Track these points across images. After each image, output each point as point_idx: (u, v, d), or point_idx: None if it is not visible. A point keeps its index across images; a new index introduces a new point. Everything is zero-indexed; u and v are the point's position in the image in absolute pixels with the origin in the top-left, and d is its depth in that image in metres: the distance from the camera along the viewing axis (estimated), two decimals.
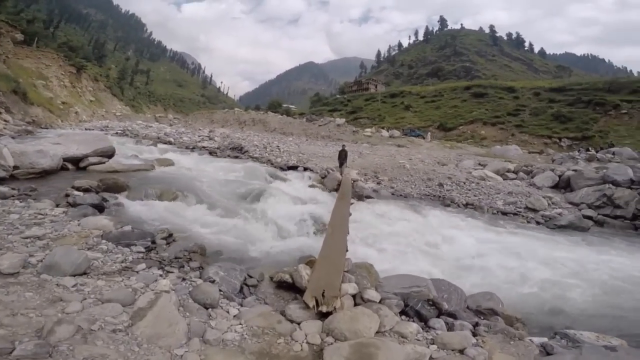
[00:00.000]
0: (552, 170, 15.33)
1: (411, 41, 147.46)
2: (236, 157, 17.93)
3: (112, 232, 4.71)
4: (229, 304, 3.31)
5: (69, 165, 9.43)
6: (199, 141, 22.88)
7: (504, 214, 11.44)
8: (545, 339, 3.23)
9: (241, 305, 3.34)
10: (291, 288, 3.49)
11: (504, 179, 15.36)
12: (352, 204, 8.50)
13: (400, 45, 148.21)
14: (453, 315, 3.43)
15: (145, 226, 5.59)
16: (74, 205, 5.91)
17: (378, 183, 13.96)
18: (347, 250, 4.36)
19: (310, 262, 3.92)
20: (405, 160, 17.46)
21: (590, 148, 31.69)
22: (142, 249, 4.40)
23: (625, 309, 4.94)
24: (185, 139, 23.81)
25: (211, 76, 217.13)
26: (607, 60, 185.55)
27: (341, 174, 13.11)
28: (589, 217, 11.07)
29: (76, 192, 6.57)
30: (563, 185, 14.32)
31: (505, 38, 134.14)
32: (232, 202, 8.23)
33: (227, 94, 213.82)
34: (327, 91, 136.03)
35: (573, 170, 14.88)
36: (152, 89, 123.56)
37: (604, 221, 11.16)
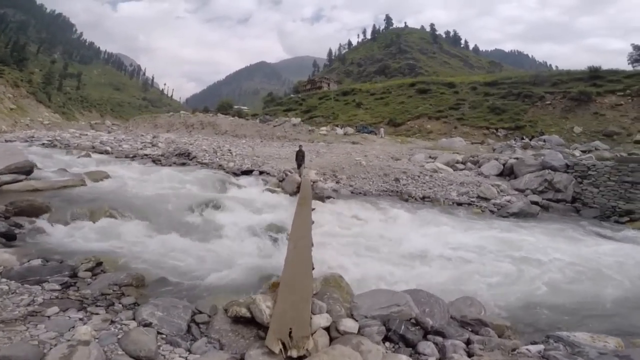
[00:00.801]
0: (497, 159, 16.29)
1: (360, 39, 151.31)
2: (183, 164, 16.63)
3: (15, 269, 3.86)
4: (173, 352, 2.67)
5: None
6: (141, 148, 20.97)
7: (459, 204, 11.83)
8: (541, 347, 3.06)
9: (189, 352, 2.71)
10: (251, 322, 2.92)
11: (454, 170, 15.99)
12: (313, 209, 8.09)
13: (350, 43, 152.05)
14: (441, 334, 3.13)
15: (69, 255, 4.69)
16: None
17: (337, 182, 13.74)
18: (313, 269, 3.92)
19: (273, 286, 3.42)
20: (361, 157, 17.48)
21: (524, 137, 34.64)
22: (57, 286, 3.61)
23: (598, 298, 5.09)
24: (125, 146, 21.67)
25: (153, 78, 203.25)
26: (530, 56, 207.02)
27: (300, 176, 12.66)
28: (536, 203, 11.83)
29: None
30: (507, 172, 15.26)
31: (444, 36, 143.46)
32: (178, 217, 7.38)
33: (172, 96, 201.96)
34: (280, 91, 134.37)
35: (515, 158, 15.94)
36: (85, 94, 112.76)
37: (549, 205, 12.02)
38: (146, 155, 18.62)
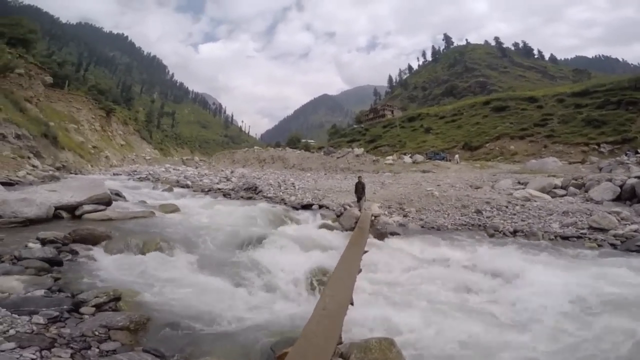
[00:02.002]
0: (610, 180, 13.07)
1: (420, 62, 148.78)
2: (249, 197, 17.00)
3: (11, 297, 3.84)
4: None
5: (64, 214, 8.97)
6: (217, 183, 22.35)
7: (564, 238, 9.33)
8: None
9: None
10: None
11: (552, 197, 13.21)
12: (366, 251, 6.93)
13: (410, 68, 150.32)
14: None
15: (96, 286, 4.66)
16: (19, 259, 5.06)
17: (404, 216, 12.27)
18: (340, 343, 3.13)
19: (281, 357, 2.81)
20: (433, 187, 15.71)
21: (638, 151, 28.47)
22: (43, 320, 3.40)
23: None
24: (205, 181, 23.37)
25: (232, 115, 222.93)
26: (621, 59, 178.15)
27: (360, 210, 11.61)
28: None
29: (32, 244, 5.80)
30: (627, 196, 12.04)
31: (513, 48, 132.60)
32: (224, 254, 7.02)
33: (248, 132, 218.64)
34: (344, 122, 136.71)
35: (636, 177, 12.58)
36: (178, 132, 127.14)
37: None
38: (219, 189, 19.67)
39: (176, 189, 19.17)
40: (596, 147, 35.88)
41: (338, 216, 11.63)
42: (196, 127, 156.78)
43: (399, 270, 6.72)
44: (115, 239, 6.87)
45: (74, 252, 5.91)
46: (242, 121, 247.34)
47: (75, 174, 27.05)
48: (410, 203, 13.38)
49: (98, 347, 3.13)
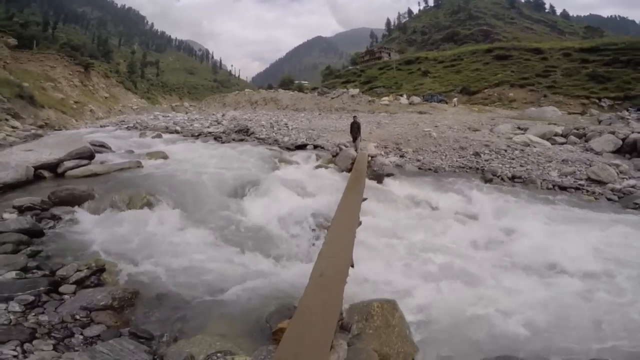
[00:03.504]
0: (613, 132, 12.71)
1: (422, 7, 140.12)
2: (241, 140, 16.13)
3: None
4: None
5: (46, 173, 8.09)
6: (207, 127, 21.20)
7: (562, 188, 9.14)
8: None
9: None
10: None
11: (552, 144, 12.87)
12: (364, 199, 6.42)
13: (410, 12, 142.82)
14: None
15: (79, 256, 4.20)
16: None
17: (401, 156, 11.84)
18: (341, 312, 2.88)
19: (276, 334, 2.63)
20: (431, 128, 15.10)
21: None
22: (19, 308, 2.95)
23: None
24: (196, 126, 22.10)
25: (220, 60, 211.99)
26: (637, 22, 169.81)
27: (356, 150, 11.06)
28: None
29: (7, 215, 5.17)
30: (628, 149, 11.83)
31: (523, 1, 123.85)
32: (216, 204, 6.44)
33: (239, 76, 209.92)
34: (338, 64, 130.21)
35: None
36: (165, 80, 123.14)
37: None
38: (210, 133, 18.64)
39: (165, 136, 18.11)
40: (597, 101, 35.42)
41: (334, 156, 11.12)
42: (183, 74, 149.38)
43: (398, 222, 6.31)
44: (100, 197, 6.25)
45: (56, 218, 5.33)
46: (232, 65, 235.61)
47: (60, 129, 25.85)
48: (407, 143, 12.88)
49: (81, 334, 2.83)
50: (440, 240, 5.51)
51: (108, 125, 27.90)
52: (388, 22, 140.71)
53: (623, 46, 44.67)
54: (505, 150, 11.62)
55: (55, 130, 25.19)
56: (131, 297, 3.41)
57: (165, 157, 10.69)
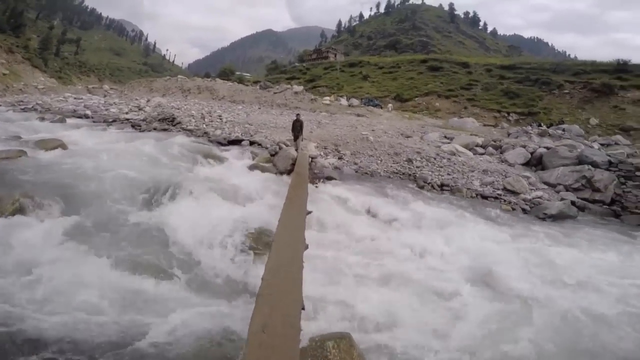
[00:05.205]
0: (524, 146, 14.26)
1: (372, 13, 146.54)
2: (164, 129, 14.70)
3: None
4: None
5: None
6: (126, 113, 18.80)
7: (484, 197, 9.91)
8: None
9: None
10: None
11: (473, 154, 13.98)
12: (309, 212, 5.69)
13: (361, 16, 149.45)
14: None
15: None
16: None
17: (339, 158, 11.76)
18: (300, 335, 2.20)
19: None
20: (368, 132, 15.38)
21: (541, 123, 32.51)
22: None
23: None
24: (113, 110, 19.51)
25: (155, 43, 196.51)
26: (550, 44, 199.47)
27: (296, 149, 10.62)
28: (572, 202, 9.93)
29: None
30: (535, 162, 13.32)
31: (463, 16, 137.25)
32: (119, 213, 5.22)
33: (173, 62, 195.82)
34: (286, 59, 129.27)
35: (545, 147, 13.91)
36: (84, 59, 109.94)
37: (585, 206, 10.14)
38: (127, 120, 16.67)
39: (71, 120, 15.77)
40: (506, 115, 40.13)
41: (272, 155, 10.49)
42: (108, 54, 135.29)
43: (342, 227, 6.05)
44: None
45: None
46: (167, 49, 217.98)
47: None
48: (345, 145, 12.87)
49: None
50: (386, 254, 5.33)
51: (0, 105, 23.51)
52: (339, 24, 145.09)
53: (535, 66, 51.53)
54: (435, 158, 12.24)
55: None
56: None
57: (62, 146, 8.96)
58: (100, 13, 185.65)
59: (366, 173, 10.74)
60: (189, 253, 4.43)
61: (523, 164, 13.37)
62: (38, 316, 2.85)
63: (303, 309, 2.93)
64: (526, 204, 9.60)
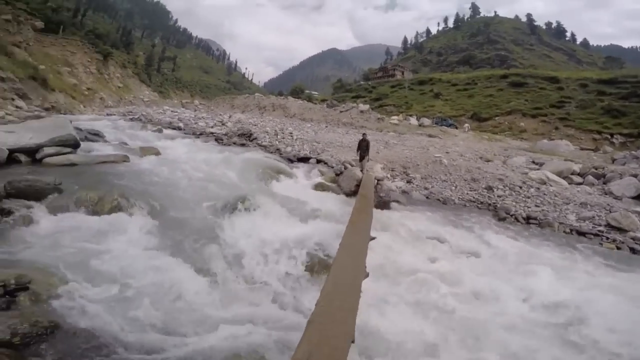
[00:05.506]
0: (635, 175, 11.97)
1: (440, 28, 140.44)
2: (242, 144, 15.76)
3: None
4: None
5: (23, 158, 7.74)
6: (211, 127, 20.81)
7: (580, 233, 8.42)
8: None
9: None
10: None
11: (569, 184, 12.15)
12: (372, 238, 5.38)
13: (428, 31, 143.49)
14: None
15: (17, 264, 3.51)
16: None
17: (408, 182, 11.19)
18: None
19: None
20: (442, 154, 14.46)
21: None
22: None
23: None
24: (200, 124, 21.83)
25: (236, 62, 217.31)
26: None
27: (362, 170, 10.39)
28: None
29: None
30: None
31: (544, 27, 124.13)
32: (196, 218, 5.70)
33: (251, 80, 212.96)
34: (350, 78, 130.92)
35: None
36: (179, 76, 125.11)
37: None
38: (212, 133, 18.37)
39: (167, 131, 17.94)
40: (609, 137, 34.52)
41: (337, 175, 10.45)
42: (198, 72, 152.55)
43: (406, 262, 5.41)
44: (67, 193, 5.55)
45: (5, 212, 4.59)
46: (246, 68, 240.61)
47: (65, 113, 25.66)
48: (415, 168, 12.23)
49: None
50: (456, 296, 4.66)
51: (114, 115, 28.17)
52: (405, 40, 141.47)
53: None
54: (521, 187, 10.90)
55: (61, 113, 25.14)
56: (43, 333, 2.61)
57: (157, 153, 10.28)
58: (191, 33, 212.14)
59: (438, 200, 9.99)
60: (252, 266, 4.61)
61: (634, 197, 11.18)
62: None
63: (353, 341, 2.76)
64: (636, 243, 7.90)
